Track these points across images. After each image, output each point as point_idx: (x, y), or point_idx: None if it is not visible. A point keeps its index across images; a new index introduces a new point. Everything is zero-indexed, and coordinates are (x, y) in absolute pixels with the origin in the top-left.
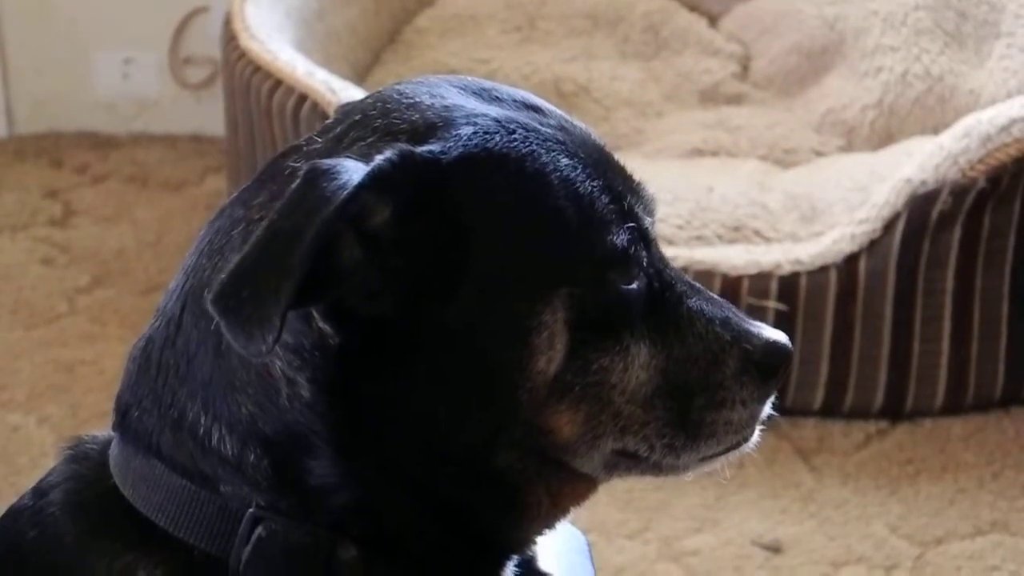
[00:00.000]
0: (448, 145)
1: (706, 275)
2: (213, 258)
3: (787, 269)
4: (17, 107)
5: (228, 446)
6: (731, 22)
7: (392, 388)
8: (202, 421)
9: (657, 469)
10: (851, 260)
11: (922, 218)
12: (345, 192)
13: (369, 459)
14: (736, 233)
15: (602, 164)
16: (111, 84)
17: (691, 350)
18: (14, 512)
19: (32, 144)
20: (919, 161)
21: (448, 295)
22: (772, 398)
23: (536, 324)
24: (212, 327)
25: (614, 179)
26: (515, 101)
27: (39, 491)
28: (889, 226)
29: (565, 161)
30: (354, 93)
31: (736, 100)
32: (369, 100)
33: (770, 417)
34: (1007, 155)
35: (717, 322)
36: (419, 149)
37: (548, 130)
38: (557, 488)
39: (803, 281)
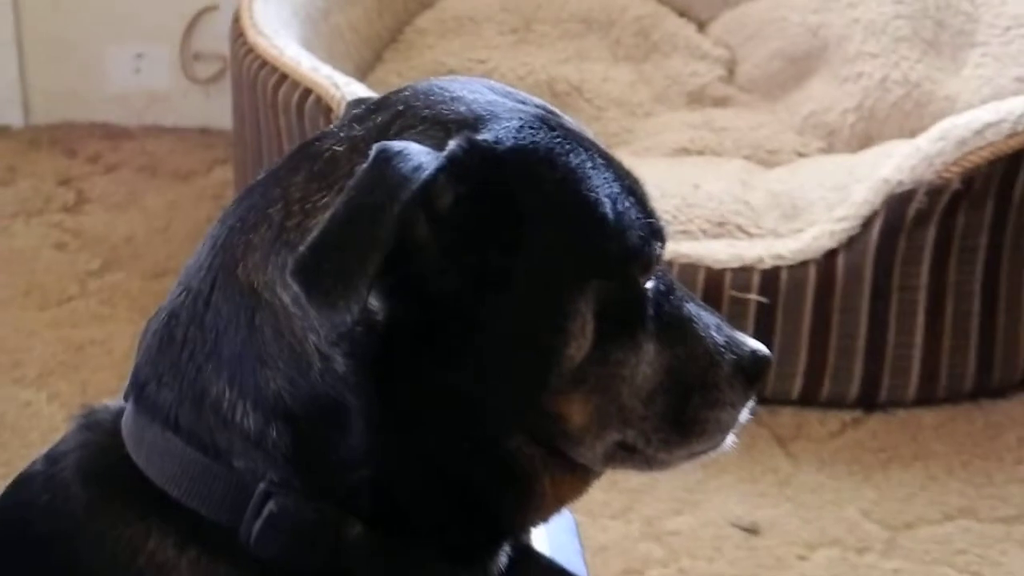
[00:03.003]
0: (500, 135)
1: (691, 268)
2: (247, 234)
3: (769, 263)
4: (33, 98)
5: (251, 421)
6: (718, 27)
7: (431, 367)
8: (227, 396)
9: (649, 463)
10: (830, 256)
11: (898, 217)
12: (426, 173)
13: (393, 435)
14: (720, 228)
15: (621, 169)
16: (123, 78)
17: (692, 351)
18: (26, 478)
19: (47, 134)
20: (896, 162)
21: (499, 278)
22: (751, 404)
23: (574, 311)
24: (245, 303)
25: (634, 183)
26: (535, 105)
27: (51, 458)
28: (867, 224)
29: (598, 160)
30: (357, 89)
31: (722, 102)
32: (407, 93)
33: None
34: (980, 158)
35: (712, 327)
36: (481, 137)
37: (576, 131)
38: (559, 479)
39: (784, 275)
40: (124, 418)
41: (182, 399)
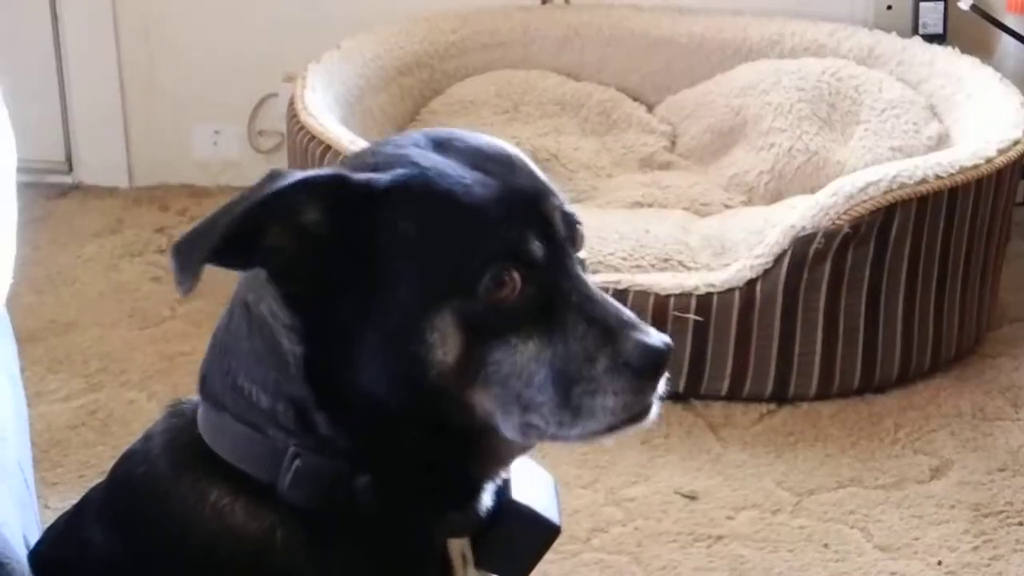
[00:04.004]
0: (379, 178)
1: (643, 294)
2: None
3: (703, 290)
4: (136, 165)
5: (264, 402)
6: (663, 109)
7: (344, 362)
8: (246, 384)
9: (557, 439)
10: (750, 284)
11: (802, 254)
12: (277, 187)
13: (348, 416)
14: (666, 263)
15: (515, 203)
16: (205, 149)
17: (571, 349)
18: (130, 453)
19: (146, 193)
20: (800, 212)
21: (364, 294)
22: (659, 385)
23: (429, 325)
24: (248, 318)
25: (518, 215)
26: (467, 150)
27: (147, 437)
28: (778, 260)
29: (468, 201)
30: None
31: (666, 166)
32: (361, 151)
33: (674, 397)
34: (865, 208)
35: (597, 327)
36: (354, 175)
37: (472, 175)
38: (495, 443)
39: (715, 300)
40: (198, 407)
41: (224, 388)
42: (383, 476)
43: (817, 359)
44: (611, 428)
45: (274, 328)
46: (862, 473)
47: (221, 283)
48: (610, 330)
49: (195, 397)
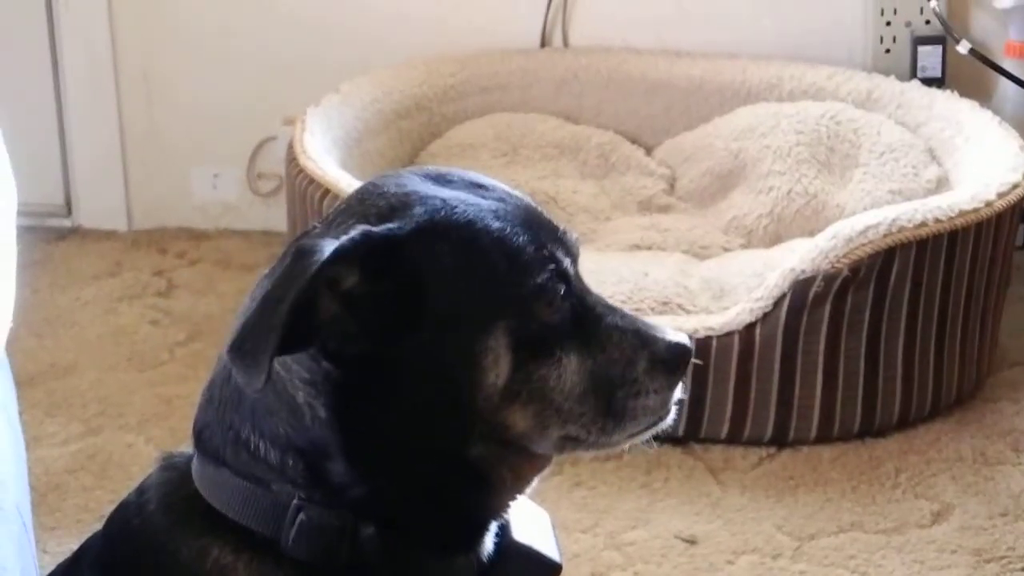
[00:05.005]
0: (403, 223)
1: None
2: (240, 319)
3: (702, 334)
4: (134, 208)
5: (273, 456)
6: (662, 152)
7: (382, 406)
8: (252, 438)
9: (595, 446)
10: (749, 328)
11: (802, 298)
12: (316, 266)
13: (372, 461)
14: (665, 307)
15: (531, 223)
16: (204, 192)
17: (610, 356)
18: (124, 504)
19: (145, 236)
20: (800, 255)
21: (413, 334)
22: (681, 384)
23: (482, 350)
24: None
25: (540, 233)
26: (465, 181)
27: (140, 490)
28: (777, 303)
29: (497, 224)
30: None
31: (665, 209)
32: (354, 193)
33: (673, 441)
34: (864, 252)
35: (629, 333)
36: (377, 228)
37: (486, 202)
38: (518, 467)
39: (714, 343)
40: (193, 461)
41: (225, 441)
42: (392, 522)
43: (817, 402)
44: (649, 427)
45: (287, 382)
46: (863, 518)
47: (217, 324)
48: (640, 333)
49: (187, 449)
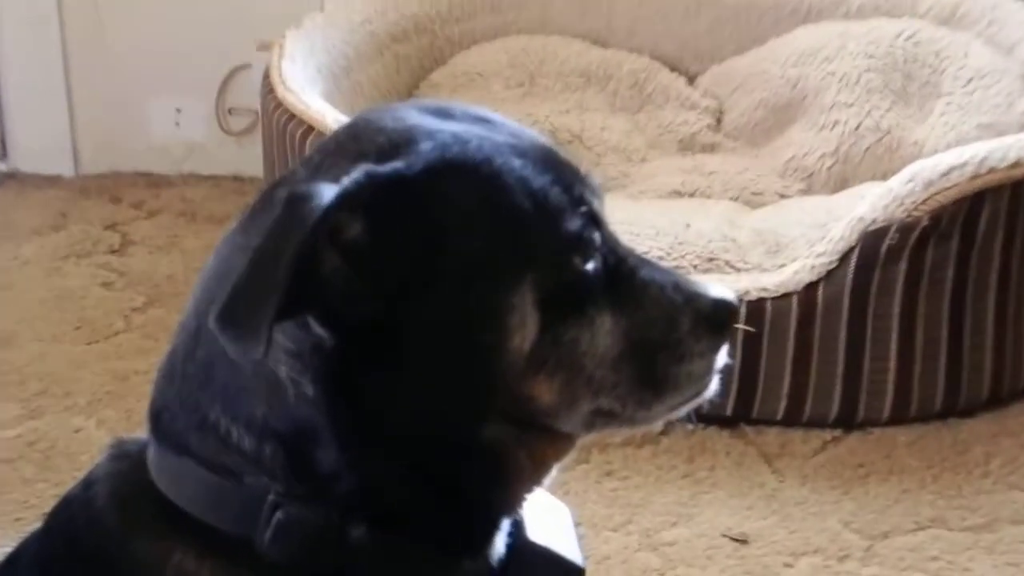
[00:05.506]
0: (411, 160)
1: None
2: (220, 281)
3: (754, 296)
4: (82, 150)
5: (247, 443)
6: (707, 80)
7: (386, 379)
8: (222, 422)
9: (631, 422)
10: (810, 288)
11: (872, 252)
12: (317, 213)
13: (369, 446)
14: (710, 264)
15: (551, 161)
16: (164, 130)
17: (649, 314)
18: (68, 499)
19: (95, 183)
20: (870, 202)
21: (427, 291)
22: (726, 347)
23: (508, 307)
24: None
25: (563, 172)
26: (468, 115)
27: (87, 483)
28: (844, 259)
29: (517, 162)
30: None
31: (710, 149)
32: (342, 130)
33: (721, 422)
34: (947, 197)
35: (668, 287)
36: (383, 167)
37: (499, 136)
38: (539, 450)
39: (768, 306)
40: (148, 448)
41: (189, 427)
42: (387, 520)
43: (891, 376)
44: (691, 399)
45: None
46: (946, 512)
47: (180, 287)
48: (681, 287)
49: (142, 435)
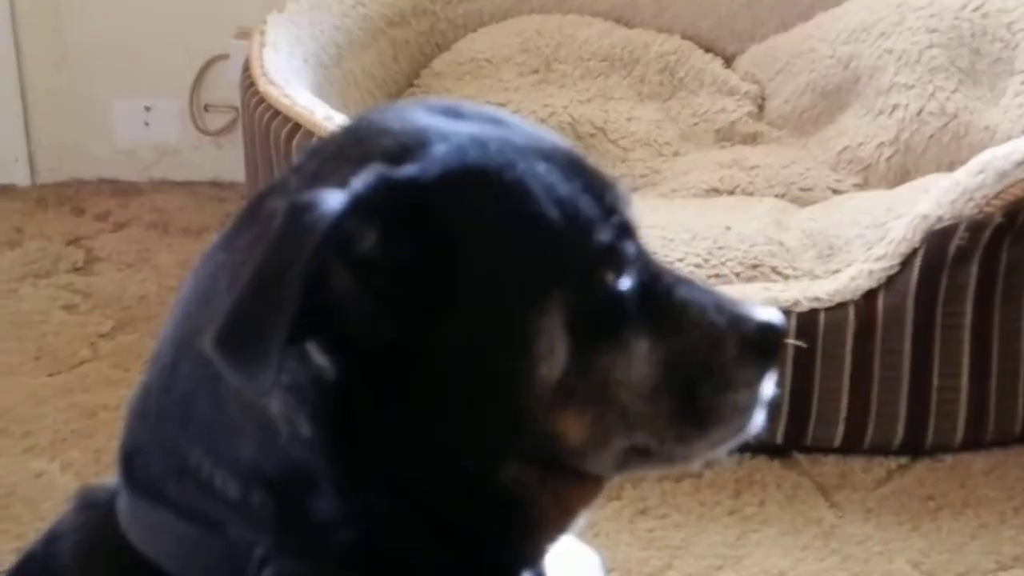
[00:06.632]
0: (425, 165)
1: None
2: (201, 305)
3: (806, 306)
4: (39, 156)
5: (232, 489)
6: (746, 62)
7: (395, 414)
8: (204, 466)
9: (668, 460)
10: (869, 296)
11: (939, 254)
12: (327, 221)
13: (373, 491)
14: (754, 271)
15: (577, 166)
16: (131, 131)
17: (690, 338)
18: (29, 556)
19: (54, 192)
20: (935, 197)
21: (444, 311)
22: (773, 376)
23: (535, 330)
24: (208, 374)
25: (591, 179)
26: (481, 116)
27: (50, 537)
28: (906, 262)
29: (542, 167)
30: None
31: (752, 139)
32: (341, 133)
33: (770, 451)
34: (1023, 190)
35: (710, 308)
36: (397, 171)
37: (519, 140)
38: (564, 494)
39: (822, 318)
40: (119, 497)
41: (166, 471)
42: (392, 573)
43: (964, 396)
44: (735, 435)
45: None
46: None
47: (154, 309)
48: (723, 308)
49: (111, 482)
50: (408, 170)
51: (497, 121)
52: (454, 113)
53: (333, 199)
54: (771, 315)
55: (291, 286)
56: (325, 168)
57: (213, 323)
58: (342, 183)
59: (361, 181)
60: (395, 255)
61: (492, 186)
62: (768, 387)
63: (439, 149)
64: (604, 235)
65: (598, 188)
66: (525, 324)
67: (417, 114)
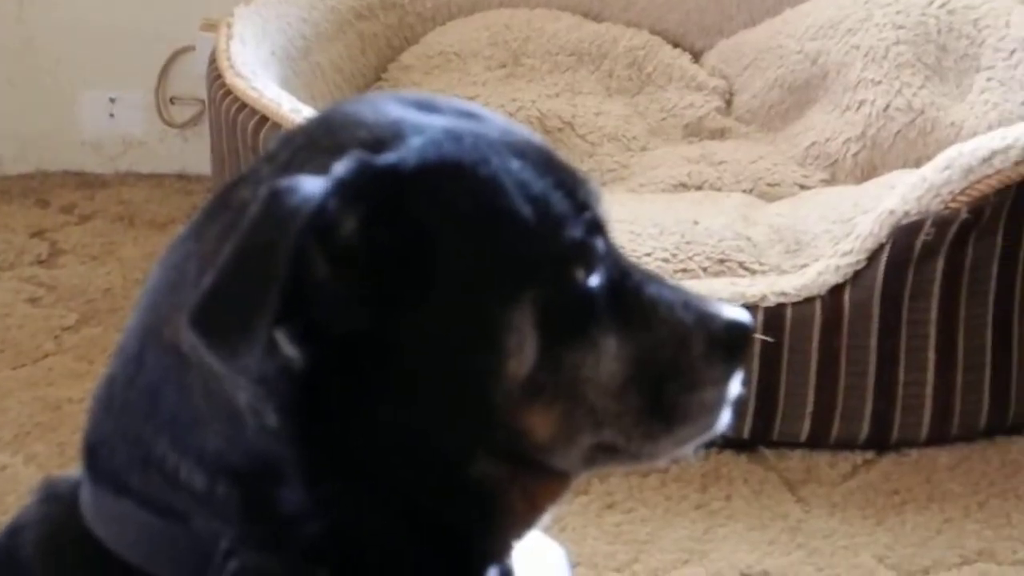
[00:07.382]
0: (403, 155)
1: None
2: (169, 295)
3: (772, 301)
4: (3, 148)
5: (197, 480)
6: (714, 57)
7: (364, 407)
8: (170, 457)
9: (636, 458)
10: (836, 291)
11: (906, 249)
12: (312, 204)
13: (341, 483)
14: (721, 266)
15: (548, 162)
16: (97, 123)
17: (658, 336)
18: None
19: (18, 184)
20: (902, 193)
21: (417, 304)
22: (740, 375)
23: (505, 327)
24: (174, 363)
25: (562, 175)
26: (454, 110)
27: (12, 529)
28: (873, 257)
29: (515, 163)
30: None
31: (720, 134)
32: (311, 124)
33: (737, 446)
34: (988, 186)
35: (678, 306)
36: (378, 158)
37: (492, 134)
38: (532, 489)
39: (788, 313)
40: (82, 488)
41: (130, 462)
42: (360, 568)
43: (929, 391)
44: (702, 432)
45: (225, 381)
46: (994, 544)
47: (119, 301)
48: (691, 306)
49: (75, 473)
50: (389, 158)
51: (470, 115)
52: (427, 106)
53: (313, 183)
54: (738, 314)
55: (276, 265)
56: (297, 158)
57: (187, 306)
58: (317, 172)
59: (343, 166)
60: (373, 243)
61: (467, 180)
62: (735, 386)
63: (415, 141)
64: (575, 232)
65: (570, 184)
66: (496, 319)
67: (390, 106)
